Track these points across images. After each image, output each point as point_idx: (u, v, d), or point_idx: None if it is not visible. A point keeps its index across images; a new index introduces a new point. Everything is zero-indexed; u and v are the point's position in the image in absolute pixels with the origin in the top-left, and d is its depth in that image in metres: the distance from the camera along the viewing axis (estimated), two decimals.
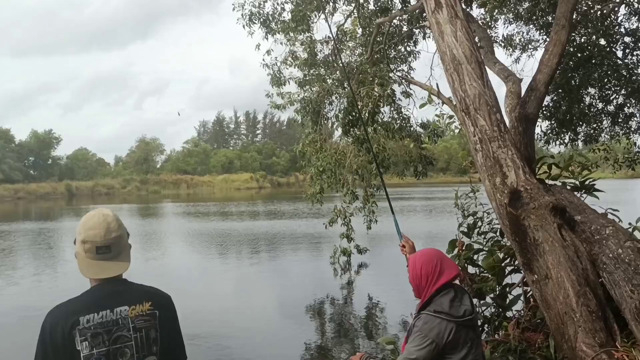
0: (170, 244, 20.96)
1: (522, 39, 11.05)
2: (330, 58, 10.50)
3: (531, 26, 10.60)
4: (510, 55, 11.21)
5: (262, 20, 9.92)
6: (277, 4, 10.14)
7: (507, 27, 12.14)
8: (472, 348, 3.16)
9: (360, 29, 10.59)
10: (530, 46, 10.90)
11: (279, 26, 10.03)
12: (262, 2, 10.12)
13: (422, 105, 7.11)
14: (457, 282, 3.41)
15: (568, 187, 5.06)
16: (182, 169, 78.34)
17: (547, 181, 5.18)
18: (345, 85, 9.60)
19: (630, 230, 4.40)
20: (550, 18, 9.05)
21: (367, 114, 9.03)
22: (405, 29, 10.55)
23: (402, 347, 3.42)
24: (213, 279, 14.22)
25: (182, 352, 2.64)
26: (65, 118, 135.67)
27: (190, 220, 29.80)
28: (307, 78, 10.31)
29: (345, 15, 10.75)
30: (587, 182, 5.16)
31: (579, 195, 4.98)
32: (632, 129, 10.83)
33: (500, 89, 5.92)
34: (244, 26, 9.94)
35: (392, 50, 10.26)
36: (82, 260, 2.45)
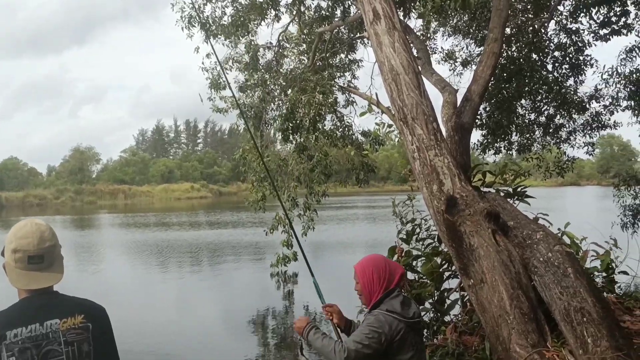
0: (106, 256, 20.30)
1: (462, 53, 11.40)
2: (273, 63, 10.49)
3: (470, 40, 10.96)
4: (453, 70, 11.53)
5: (201, 23, 9.79)
6: (218, 7, 10.06)
7: (447, 39, 12.46)
8: (417, 352, 3.22)
9: (303, 36, 10.65)
10: (470, 59, 11.24)
11: (219, 30, 9.94)
12: (201, 5, 10.01)
13: (362, 114, 7.24)
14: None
15: (501, 194, 5.23)
16: (119, 179, 76.03)
17: (481, 188, 5.34)
18: (288, 92, 9.61)
19: (559, 235, 4.59)
20: (486, 32, 9.38)
21: (308, 122, 9.05)
22: (346, 37, 10.69)
23: None
24: (152, 291, 13.86)
25: None
26: None
27: (128, 232, 28.96)
28: (249, 82, 10.25)
29: (287, 23, 10.80)
30: (519, 189, 5.35)
31: (511, 201, 5.15)
32: (562, 139, 11.33)
33: (437, 100, 6.09)
34: (182, 28, 9.78)
35: (334, 59, 10.36)
36: (12, 270, 2.34)
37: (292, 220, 11.00)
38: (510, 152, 11.71)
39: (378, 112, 7.01)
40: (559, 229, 4.80)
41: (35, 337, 2.22)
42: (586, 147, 11.46)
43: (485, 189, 5.36)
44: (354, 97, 10.58)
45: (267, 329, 10.39)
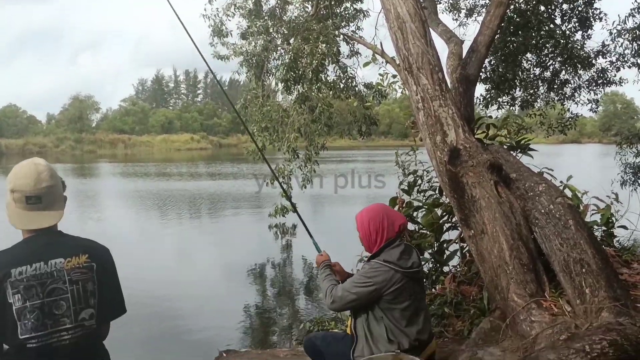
0: (107, 204, 20.42)
1: (467, 3, 11.15)
2: (276, 11, 10.24)
3: None
4: (456, 20, 11.30)
5: None
6: None
7: None
8: (415, 300, 3.28)
9: None
10: (475, 9, 11.01)
11: None
12: None
13: (365, 64, 7.12)
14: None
15: (504, 147, 5.21)
16: (119, 129, 75.69)
17: (484, 141, 5.31)
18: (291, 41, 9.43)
19: (561, 187, 4.59)
20: None
21: (310, 72, 8.92)
22: None
23: None
24: (152, 240, 14.02)
25: (121, 305, 2.59)
26: None
27: (130, 181, 29.05)
28: (251, 29, 10.03)
29: None
30: (522, 142, 5.33)
31: (514, 154, 5.13)
32: (566, 95, 11.22)
33: (442, 52, 5.98)
34: None
35: (339, 7, 10.13)
36: (12, 210, 2.35)
37: (293, 173, 11.01)
38: (513, 108, 11.62)
39: (382, 62, 6.89)
40: (561, 182, 4.80)
41: (40, 275, 2.24)
42: (590, 104, 11.38)
43: (488, 142, 5.33)
44: (358, 48, 10.39)
45: (265, 279, 10.55)
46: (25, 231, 2.37)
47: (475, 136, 5.07)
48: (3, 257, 2.26)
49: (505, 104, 11.10)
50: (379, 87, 7.98)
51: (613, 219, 5.10)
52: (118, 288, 2.56)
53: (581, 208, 4.77)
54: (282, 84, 9.68)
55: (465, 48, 6.30)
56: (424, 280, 5.51)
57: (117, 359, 2.62)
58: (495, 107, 11.02)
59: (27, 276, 2.21)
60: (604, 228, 5.02)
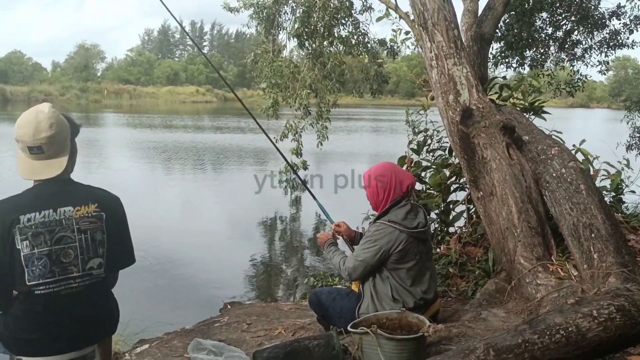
0: (112, 154, 20.42)
1: None
2: None
3: None
4: None
5: None
6: None
7: None
8: (421, 260, 3.29)
9: None
10: None
11: None
12: None
13: (379, 19, 6.96)
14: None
15: (517, 109, 5.12)
16: (124, 79, 75.04)
17: (497, 102, 5.22)
18: None
19: (573, 152, 4.53)
20: None
21: (323, 27, 8.74)
22: None
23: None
24: (158, 191, 14.06)
25: (130, 256, 2.59)
26: None
27: (137, 132, 28.96)
28: None
29: None
30: (535, 104, 5.24)
31: (527, 116, 5.05)
32: (577, 56, 11.02)
33: (458, 9, 5.82)
34: None
35: None
36: (21, 159, 2.33)
37: (304, 130, 10.95)
38: (523, 68, 11.41)
39: (395, 18, 6.73)
40: (573, 145, 4.73)
41: (49, 223, 2.24)
42: (600, 66, 11.19)
43: (501, 103, 5.24)
44: (371, 2, 10.16)
45: (274, 233, 10.62)
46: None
47: (488, 97, 4.98)
48: (12, 203, 2.25)
49: (515, 63, 10.91)
50: (392, 42, 7.82)
51: (623, 185, 5.05)
52: (128, 238, 2.56)
53: (592, 173, 4.72)
54: (296, 39, 9.51)
55: (481, 5, 6.14)
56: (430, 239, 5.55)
57: (122, 309, 2.64)
58: (503, 66, 10.86)
59: (36, 223, 2.21)
60: (613, 194, 4.98)
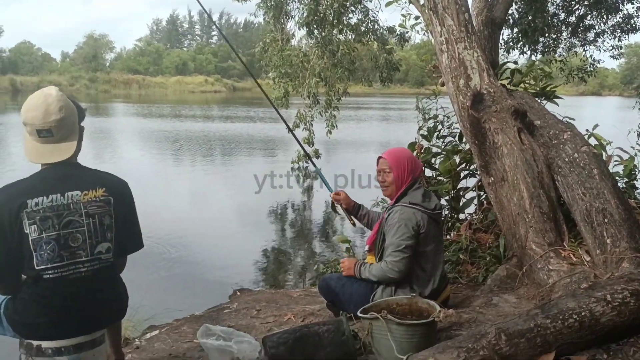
0: (122, 144, 20.48)
1: None
2: None
3: None
4: None
5: None
6: None
7: None
8: (437, 243, 3.28)
9: None
10: None
11: None
12: None
13: (388, 4, 6.87)
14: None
15: (529, 93, 5.06)
16: (133, 69, 75.11)
17: (508, 87, 5.16)
18: None
19: (586, 137, 4.47)
20: None
21: (332, 15, 8.68)
22: None
23: (367, 240, 3.51)
24: (168, 179, 14.07)
25: (139, 240, 2.59)
26: (7, 8, 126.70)
27: (147, 121, 29.01)
28: None
29: None
30: (547, 89, 5.17)
31: (539, 101, 4.99)
32: (589, 41, 10.89)
33: None
34: None
35: None
36: (28, 142, 2.32)
37: (313, 119, 10.91)
38: (535, 54, 11.29)
39: (405, 2, 6.65)
40: (587, 130, 4.67)
41: (57, 207, 2.23)
42: (613, 50, 11.07)
43: (512, 88, 5.17)
44: None
45: (285, 221, 10.60)
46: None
47: (500, 82, 4.92)
48: (19, 186, 2.25)
49: (527, 49, 10.79)
50: (402, 27, 7.74)
51: (636, 170, 4.98)
52: (136, 222, 2.55)
53: (604, 158, 4.65)
54: (305, 28, 9.46)
55: None
56: None
57: (131, 295, 2.64)
58: (516, 52, 10.74)
59: (44, 207, 2.20)
60: (626, 179, 4.91)
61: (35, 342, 2.23)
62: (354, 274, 3.41)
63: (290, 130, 4.82)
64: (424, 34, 6.51)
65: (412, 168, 3.33)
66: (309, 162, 4.21)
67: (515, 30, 9.77)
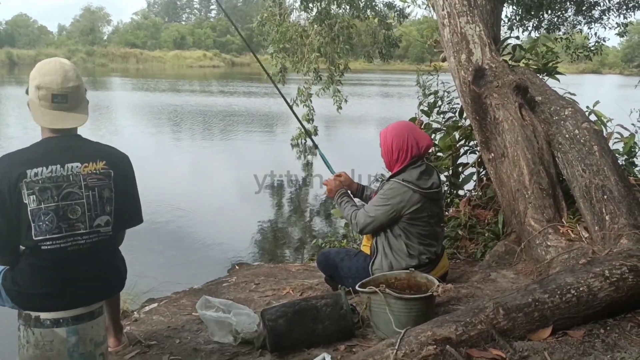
0: (120, 119, 20.37)
1: None
2: None
3: None
4: None
5: None
6: None
7: None
8: (433, 220, 3.27)
9: None
10: None
11: None
12: None
13: None
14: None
15: (531, 69, 5.01)
16: (130, 42, 74.32)
17: (510, 63, 5.11)
18: None
19: (587, 113, 4.44)
20: None
21: None
22: None
23: None
24: (167, 153, 14.04)
25: (138, 215, 2.58)
26: None
27: (142, 96, 28.83)
28: None
29: None
30: (549, 65, 5.12)
31: (541, 77, 4.94)
32: (594, 18, 10.76)
33: None
34: None
35: None
36: (36, 108, 2.29)
37: (314, 95, 10.83)
38: (539, 32, 11.18)
39: None
40: (587, 107, 4.64)
41: (56, 178, 2.21)
42: (618, 28, 10.94)
43: (514, 64, 5.12)
44: None
45: (283, 196, 10.60)
46: (46, 131, 2.32)
47: (502, 57, 4.87)
48: (19, 156, 2.23)
49: (531, 27, 10.68)
50: (403, 1, 7.65)
51: (636, 148, 4.97)
52: (136, 197, 2.54)
53: (606, 135, 4.63)
54: (300, 1, 9.35)
55: None
56: None
57: (130, 269, 2.64)
58: (520, 29, 10.63)
59: (43, 178, 2.18)
60: (625, 157, 4.90)
61: (33, 313, 2.24)
62: (331, 196, 3.61)
63: (290, 107, 4.78)
64: (426, 9, 6.42)
65: (402, 147, 3.24)
66: (311, 142, 4.19)
67: (519, 6, 9.65)
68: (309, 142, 13.02)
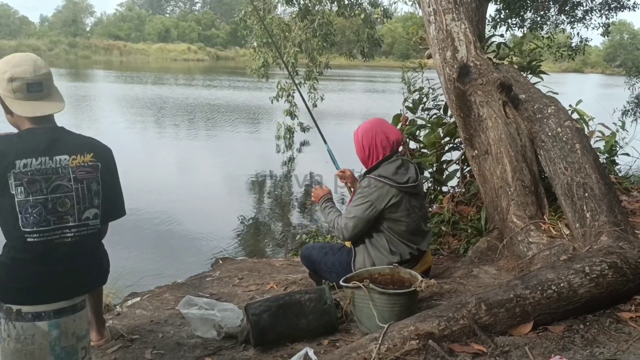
0: (103, 110, 20.16)
1: None
2: None
3: None
4: None
5: None
6: None
7: None
8: (414, 214, 3.28)
9: None
10: None
11: None
12: None
13: None
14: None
15: (515, 67, 5.05)
16: (114, 34, 73.52)
17: (494, 60, 5.14)
18: None
19: (570, 112, 4.49)
20: None
21: None
22: None
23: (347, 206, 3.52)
24: (149, 147, 13.94)
25: (122, 208, 2.57)
26: None
27: (127, 88, 28.55)
28: None
29: None
30: (533, 63, 5.17)
31: (525, 75, 4.98)
32: (577, 18, 10.87)
33: None
34: None
35: None
36: (12, 102, 2.25)
37: (293, 90, 10.80)
38: (522, 30, 11.27)
39: None
40: (570, 106, 4.69)
41: (45, 170, 2.19)
42: (601, 28, 11.07)
43: (498, 62, 5.16)
44: None
45: (263, 191, 10.59)
46: (25, 123, 2.29)
47: (486, 55, 4.91)
48: (7, 145, 2.20)
49: (514, 25, 10.76)
50: None
51: (617, 146, 5.04)
52: (119, 189, 2.53)
53: (587, 133, 4.69)
54: None
55: None
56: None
57: (113, 263, 2.62)
58: (503, 28, 10.71)
59: (32, 170, 2.16)
60: (606, 155, 4.97)
61: (14, 307, 2.20)
62: (316, 202, 3.61)
63: (306, 104, 4.78)
64: (412, 5, 6.44)
65: (372, 144, 3.27)
66: (321, 137, 4.20)
67: (500, 4, 9.73)
68: (295, 138, 13.06)
